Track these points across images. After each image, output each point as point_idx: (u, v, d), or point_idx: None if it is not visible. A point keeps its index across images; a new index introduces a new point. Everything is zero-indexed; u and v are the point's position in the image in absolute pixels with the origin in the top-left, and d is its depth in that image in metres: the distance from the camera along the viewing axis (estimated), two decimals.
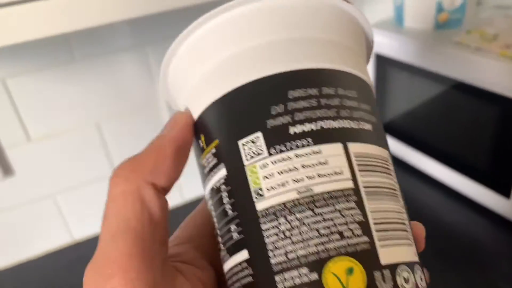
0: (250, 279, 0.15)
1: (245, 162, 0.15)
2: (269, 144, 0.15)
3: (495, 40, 0.58)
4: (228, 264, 0.16)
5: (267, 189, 0.15)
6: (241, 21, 0.16)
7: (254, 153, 0.15)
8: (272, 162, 0.15)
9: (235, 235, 0.15)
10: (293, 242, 0.14)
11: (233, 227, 0.15)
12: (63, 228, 0.71)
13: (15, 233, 0.68)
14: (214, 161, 0.16)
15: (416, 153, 0.71)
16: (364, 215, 0.15)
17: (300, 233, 0.14)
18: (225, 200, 0.16)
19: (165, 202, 0.16)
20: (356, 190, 0.15)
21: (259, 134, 0.15)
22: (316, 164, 0.15)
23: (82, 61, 0.62)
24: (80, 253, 0.69)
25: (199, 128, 0.17)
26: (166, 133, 0.17)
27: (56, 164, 0.66)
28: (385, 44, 0.69)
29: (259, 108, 0.16)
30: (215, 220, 0.17)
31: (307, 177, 0.15)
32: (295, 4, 0.17)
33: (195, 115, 0.18)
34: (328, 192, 0.15)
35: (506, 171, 0.57)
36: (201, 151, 0.17)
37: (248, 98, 0.16)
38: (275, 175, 0.15)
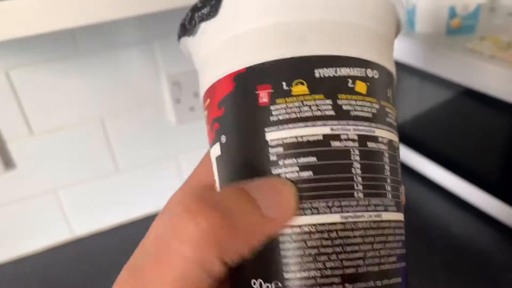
0: (403, 238, 0.17)
1: None
2: None
3: (509, 49, 0.57)
4: (390, 216, 0.17)
5: None
6: None
7: None
8: None
9: (400, 196, 0.17)
10: None
11: (401, 189, 0.18)
12: (64, 223, 0.70)
13: (16, 228, 0.67)
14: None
15: (424, 160, 0.70)
16: None
17: None
18: (399, 160, 0.18)
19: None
20: None
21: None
22: None
23: (87, 55, 0.61)
24: (81, 250, 0.68)
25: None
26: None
27: (58, 158, 0.65)
28: (395, 48, 0.68)
29: None
30: (386, 167, 0.17)
31: None
32: None
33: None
34: None
35: None
36: (386, 96, 0.18)
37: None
38: None
